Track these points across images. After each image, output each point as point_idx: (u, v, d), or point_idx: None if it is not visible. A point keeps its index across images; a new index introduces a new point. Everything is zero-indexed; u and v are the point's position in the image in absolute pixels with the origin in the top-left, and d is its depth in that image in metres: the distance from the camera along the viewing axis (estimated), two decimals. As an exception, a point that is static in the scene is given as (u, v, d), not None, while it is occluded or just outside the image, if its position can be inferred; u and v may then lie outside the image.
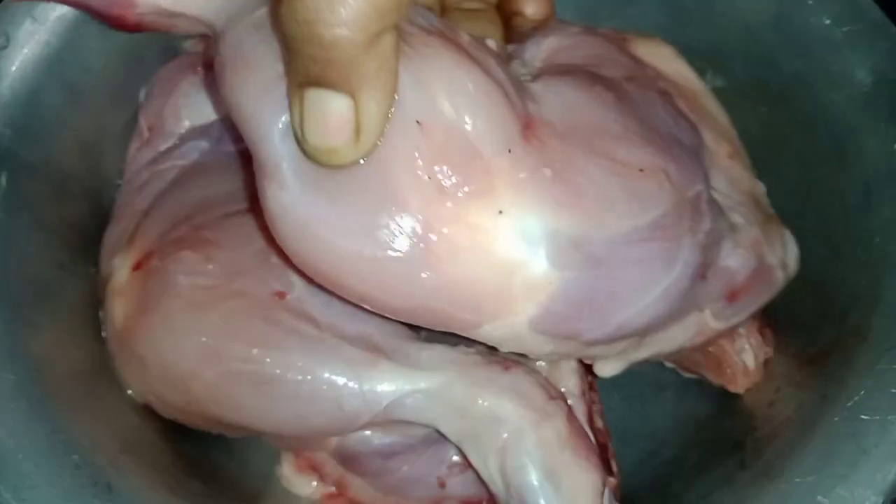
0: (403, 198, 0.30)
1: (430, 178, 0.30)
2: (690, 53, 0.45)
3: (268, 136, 0.30)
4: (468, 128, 0.30)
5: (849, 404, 0.34)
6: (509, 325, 0.32)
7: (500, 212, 0.30)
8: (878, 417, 0.34)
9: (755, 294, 0.39)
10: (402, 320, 0.33)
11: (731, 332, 0.41)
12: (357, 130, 0.28)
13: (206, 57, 0.47)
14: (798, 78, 0.43)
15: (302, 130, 0.28)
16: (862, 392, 0.34)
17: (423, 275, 0.30)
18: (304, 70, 0.27)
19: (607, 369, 0.38)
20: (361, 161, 0.29)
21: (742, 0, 0.45)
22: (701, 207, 0.36)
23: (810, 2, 0.43)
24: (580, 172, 0.32)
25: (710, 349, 0.41)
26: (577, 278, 0.32)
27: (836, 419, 0.34)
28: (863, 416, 0.34)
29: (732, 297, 0.38)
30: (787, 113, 0.44)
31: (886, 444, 0.33)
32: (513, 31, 0.42)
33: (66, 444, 0.34)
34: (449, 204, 0.30)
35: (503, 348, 0.34)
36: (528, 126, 0.32)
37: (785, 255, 0.40)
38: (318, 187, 0.30)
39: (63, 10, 0.42)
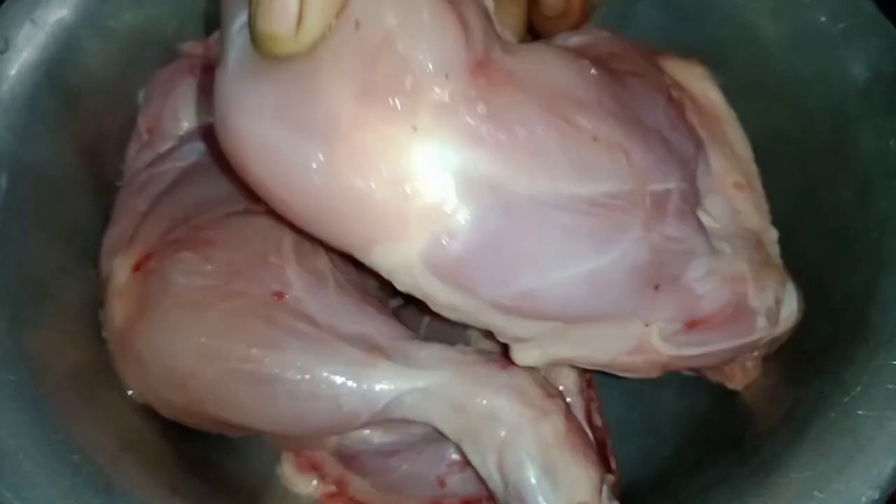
0: (321, 90, 0.29)
1: (353, 78, 0.29)
2: (688, 51, 0.45)
3: (228, 28, 0.31)
4: (407, 43, 0.29)
5: (845, 400, 0.34)
6: (401, 252, 0.31)
7: (415, 128, 0.29)
8: (874, 413, 0.34)
9: (722, 332, 0.36)
10: (296, 224, 0.32)
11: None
12: (299, 19, 0.28)
13: (204, 59, 0.48)
14: (795, 74, 0.43)
15: (252, 14, 0.28)
16: (858, 388, 0.34)
17: (321, 173, 0.29)
18: None
19: (523, 356, 0.35)
20: (301, 56, 0.29)
21: (738, -4, 0.45)
22: (666, 207, 0.33)
23: (806, -1, 0.43)
24: (521, 120, 0.31)
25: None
26: (485, 219, 0.30)
27: (832, 415, 0.34)
28: (859, 412, 0.34)
29: (691, 324, 0.35)
30: (783, 109, 0.44)
31: (883, 439, 0.33)
32: (540, 11, 0.41)
33: (67, 443, 0.35)
34: (366, 109, 0.29)
35: (398, 285, 0.32)
36: (482, 65, 0.30)
37: (777, 306, 0.37)
38: (250, 71, 0.30)
39: (62, 13, 0.42)
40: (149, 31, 0.46)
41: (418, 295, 0.33)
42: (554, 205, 0.31)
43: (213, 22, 0.49)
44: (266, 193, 0.31)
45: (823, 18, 0.42)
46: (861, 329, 0.36)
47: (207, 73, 0.46)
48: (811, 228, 0.42)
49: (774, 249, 0.40)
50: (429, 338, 0.39)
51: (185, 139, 0.45)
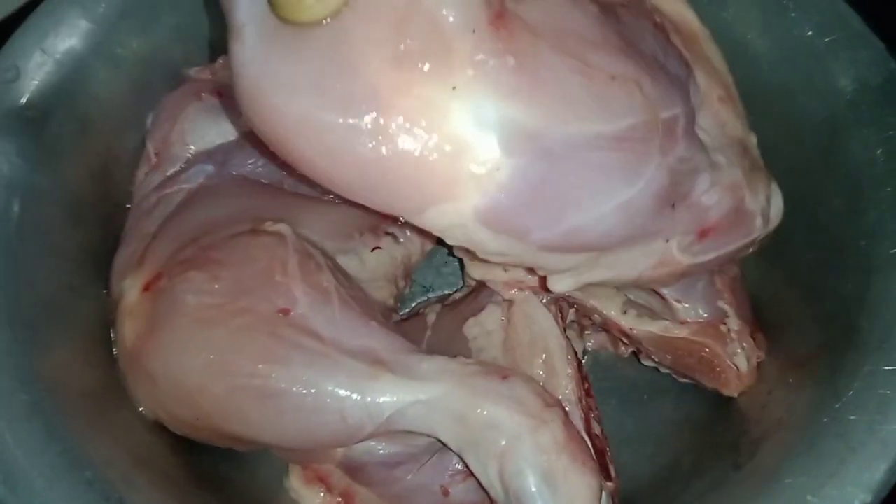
0: (358, 62, 0.30)
1: (387, 46, 0.30)
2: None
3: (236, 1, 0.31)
4: (433, 3, 0.30)
5: (837, 406, 0.35)
6: (455, 211, 0.32)
7: (454, 88, 0.30)
8: (865, 418, 0.34)
9: (728, 236, 0.38)
10: (344, 195, 0.33)
11: (701, 272, 0.41)
12: None
13: (210, 83, 0.49)
14: (784, 87, 0.44)
15: None
16: (850, 393, 0.35)
17: (369, 144, 0.30)
18: None
19: (560, 285, 0.37)
20: (325, 21, 0.29)
21: (727, 13, 0.46)
22: (676, 131, 0.35)
23: (793, 14, 0.43)
24: (545, 66, 0.32)
25: (703, 354, 0.42)
26: (529, 168, 0.31)
27: (825, 420, 0.35)
28: (851, 417, 0.34)
29: (703, 233, 0.37)
30: (773, 121, 0.44)
31: (874, 443, 0.34)
32: None
33: (79, 460, 0.35)
34: (404, 75, 0.30)
35: (450, 240, 0.33)
36: (499, 16, 0.31)
37: (768, 205, 0.40)
38: (276, 43, 0.30)
39: (71, 42, 0.43)
40: (156, 57, 0.47)
41: (467, 245, 0.34)
42: (586, 145, 0.32)
43: (218, 47, 0.50)
44: (311, 168, 0.32)
45: (810, 32, 0.43)
46: (852, 335, 0.37)
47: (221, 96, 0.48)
48: (802, 237, 0.43)
49: (756, 152, 0.41)
50: (431, 350, 0.40)
51: (192, 161, 0.46)
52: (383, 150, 0.30)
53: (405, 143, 0.30)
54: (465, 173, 0.31)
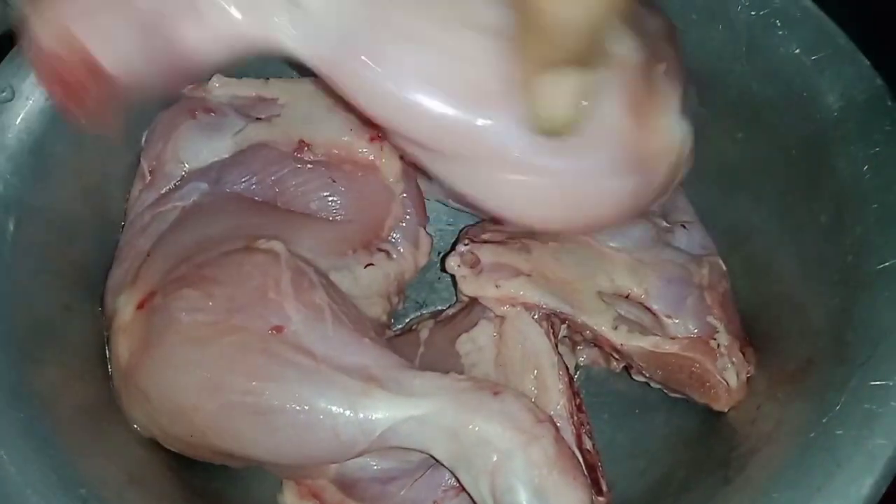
0: (619, 133, 0.35)
1: (629, 111, 0.35)
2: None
3: (499, 129, 0.34)
4: (636, 62, 0.35)
5: (824, 420, 0.35)
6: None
7: (663, 113, 0.36)
8: (852, 432, 0.34)
9: None
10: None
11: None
12: (582, 96, 0.33)
13: (204, 101, 0.49)
14: (771, 104, 0.44)
15: (545, 109, 0.33)
16: (837, 408, 0.35)
17: (644, 191, 0.37)
18: (542, 56, 0.31)
19: None
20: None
21: (716, 31, 0.46)
22: None
23: (780, 32, 0.44)
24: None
25: (693, 369, 0.42)
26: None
27: (812, 434, 0.35)
28: (838, 432, 0.35)
29: None
30: (761, 138, 0.45)
31: (860, 458, 0.34)
32: None
33: (74, 478, 0.36)
34: (641, 124, 0.36)
35: None
36: None
37: None
38: (544, 159, 0.35)
39: (66, 62, 0.43)
40: (150, 75, 0.47)
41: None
42: None
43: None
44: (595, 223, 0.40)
45: (797, 50, 0.43)
46: (839, 350, 0.37)
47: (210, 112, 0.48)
48: (790, 252, 0.43)
49: None
50: (424, 366, 0.40)
51: (186, 179, 0.47)
52: (647, 179, 0.37)
53: (658, 166, 0.37)
54: (684, 160, 0.38)
